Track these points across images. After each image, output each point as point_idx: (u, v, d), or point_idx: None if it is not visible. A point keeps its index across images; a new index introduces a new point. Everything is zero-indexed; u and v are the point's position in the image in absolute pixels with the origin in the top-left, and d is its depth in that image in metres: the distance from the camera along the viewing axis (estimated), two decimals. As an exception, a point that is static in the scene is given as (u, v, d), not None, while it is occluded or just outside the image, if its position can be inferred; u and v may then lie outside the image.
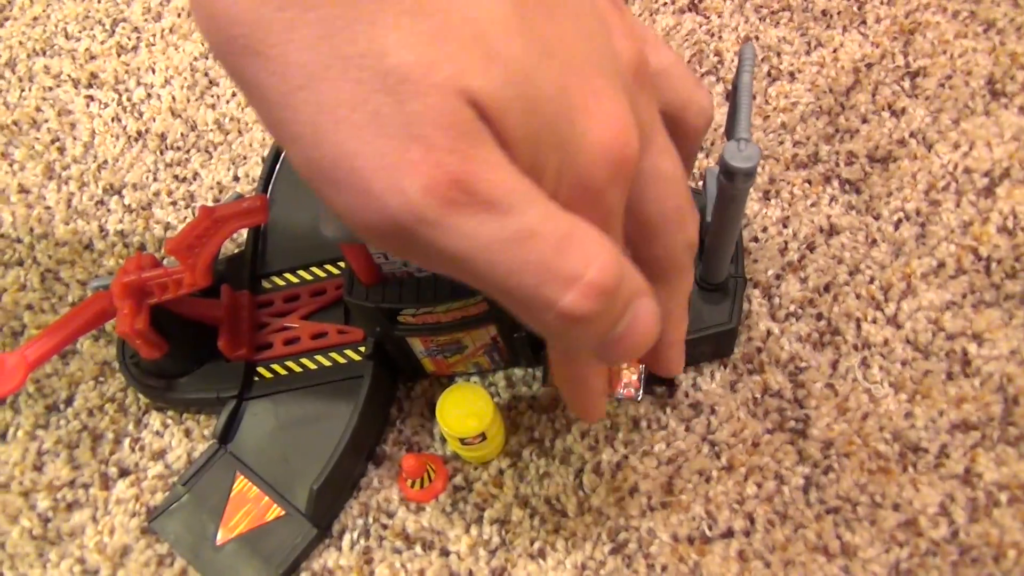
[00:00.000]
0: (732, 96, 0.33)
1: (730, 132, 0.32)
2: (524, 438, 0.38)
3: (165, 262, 0.38)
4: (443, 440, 0.39)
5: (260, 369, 0.40)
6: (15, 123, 0.53)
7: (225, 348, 0.39)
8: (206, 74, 0.53)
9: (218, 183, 0.49)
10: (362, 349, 0.39)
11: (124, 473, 0.40)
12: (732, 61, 0.49)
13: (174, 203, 0.48)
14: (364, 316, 0.36)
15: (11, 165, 0.51)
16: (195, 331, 0.39)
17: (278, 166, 0.45)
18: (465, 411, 0.35)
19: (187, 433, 0.40)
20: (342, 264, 0.42)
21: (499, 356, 0.39)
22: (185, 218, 0.47)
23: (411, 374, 0.40)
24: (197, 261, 0.35)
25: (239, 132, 0.50)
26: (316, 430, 0.38)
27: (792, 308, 0.40)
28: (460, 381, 0.39)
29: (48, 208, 0.49)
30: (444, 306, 0.34)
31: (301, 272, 0.42)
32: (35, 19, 0.59)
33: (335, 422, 0.37)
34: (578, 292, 0.18)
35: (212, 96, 0.52)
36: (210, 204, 0.47)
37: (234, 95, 0.52)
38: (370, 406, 0.38)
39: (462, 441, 0.35)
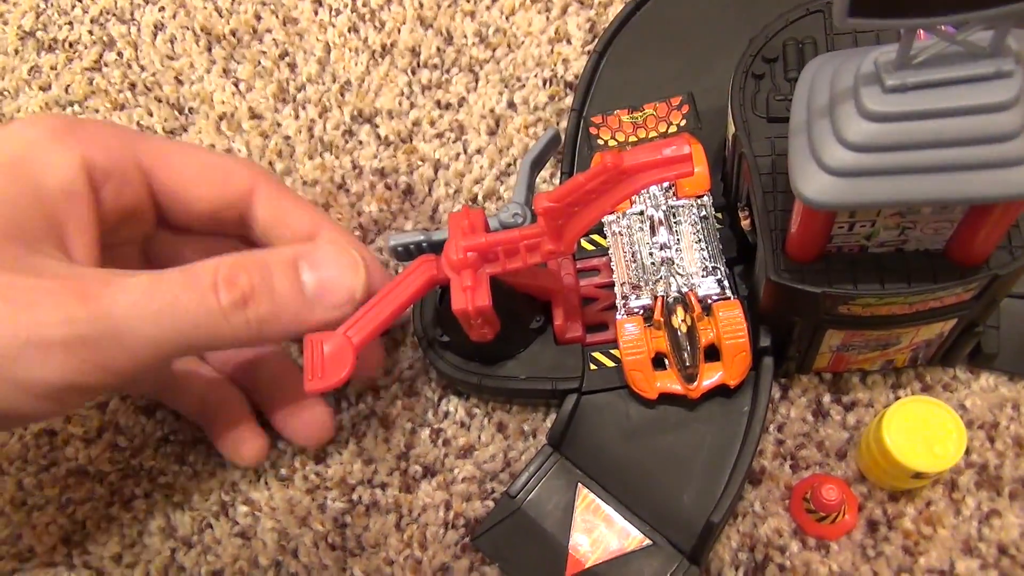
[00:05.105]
0: None
1: None
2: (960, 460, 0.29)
3: (490, 220, 0.30)
4: (839, 457, 0.30)
5: (597, 355, 0.32)
6: (233, 33, 0.45)
7: (560, 328, 0.31)
8: (457, -27, 0.43)
9: (491, 111, 0.40)
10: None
11: (428, 473, 0.33)
12: None
13: (439, 135, 0.40)
14: (786, 301, 0.27)
15: (236, 86, 0.43)
16: (526, 306, 0.31)
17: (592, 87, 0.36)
18: (926, 436, 0.26)
19: (500, 427, 0.33)
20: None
21: (923, 355, 0.30)
22: (458, 155, 0.39)
23: (793, 368, 0.31)
24: (570, 225, 0.26)
25: (508, 47, 0.41)
26: (683, 440, 0.30)
27: None
28: (910, 396, 0.30)
29: (287, 138, 0.41)
30: (919, 295, 0.25)
31: (630, 230, 0.33)
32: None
33: (715, 430, 0.29)
34: None
35: (468, 1, 0.43)
36: (483, 136, 0.39)
37: (494, 1, 0.42)
38: (764, 415, 0.29)
39: (915, 475, 0.27)
